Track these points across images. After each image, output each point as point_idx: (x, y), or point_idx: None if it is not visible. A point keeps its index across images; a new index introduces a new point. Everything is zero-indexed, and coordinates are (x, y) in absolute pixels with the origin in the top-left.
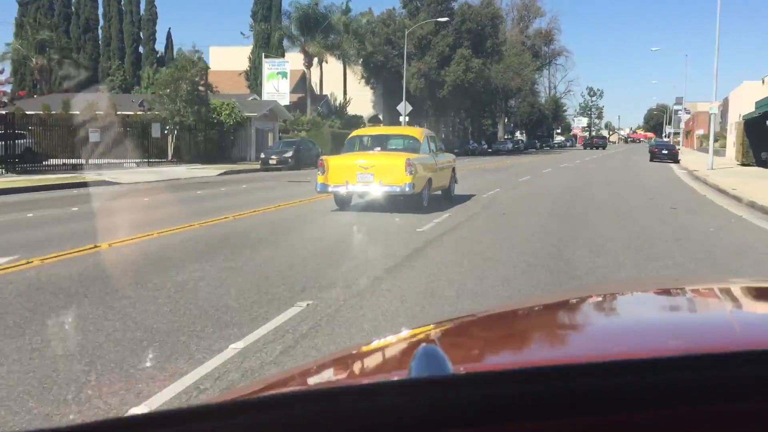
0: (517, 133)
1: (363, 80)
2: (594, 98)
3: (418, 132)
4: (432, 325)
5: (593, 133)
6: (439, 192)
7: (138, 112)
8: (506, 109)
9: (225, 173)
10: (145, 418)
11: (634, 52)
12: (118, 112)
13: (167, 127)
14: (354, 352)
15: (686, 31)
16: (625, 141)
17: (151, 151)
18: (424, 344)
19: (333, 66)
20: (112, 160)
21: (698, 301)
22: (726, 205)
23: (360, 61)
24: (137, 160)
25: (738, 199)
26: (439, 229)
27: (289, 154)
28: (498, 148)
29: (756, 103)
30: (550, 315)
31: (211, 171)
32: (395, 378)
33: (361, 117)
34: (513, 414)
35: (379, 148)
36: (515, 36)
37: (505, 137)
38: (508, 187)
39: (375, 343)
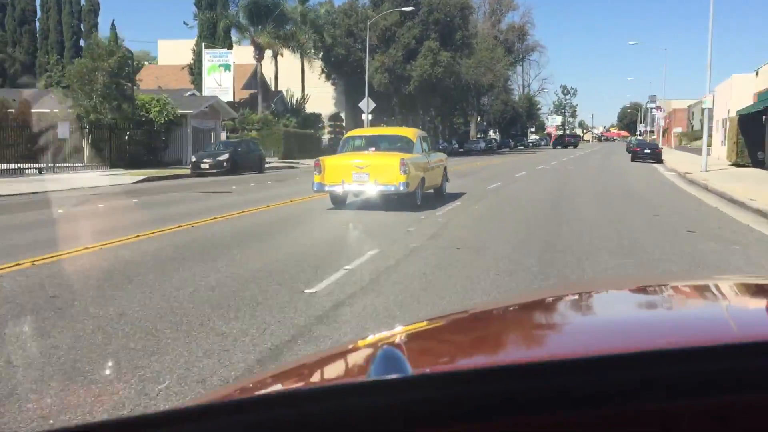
0: (491, 132)
1: (323, 75)
2: (568, 96)
3: (411, 132)
4: (400, 328)
5: (566, 132)
6: (431, 191)
7: (55, 110)
8: (479, 107)
9: (143, 180)
10: (136, 420)
11: (609, 50)
12: (36, 110)
13: (79, 127)
14: (321, 357)
15: (662, 27)
16: (599, 139)
17: (59, 155)
18: (385, 347)
19: (290, 60)
20: (11, 166)
21: (676, 298)
22: (754, 224)
23: (320, 55)
24: (40, 166)
25: (765, 215)
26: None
27: (225, 157)
28: (470, 148)
29: (758, 95)
30: (526, 315)
31: (127, 178)
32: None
33: (319, 115)
34: (467, 414)
35: (373, 149)
36: (487, 30)
37: (478, 136)
38: (472, 199)
39: (345, 347)
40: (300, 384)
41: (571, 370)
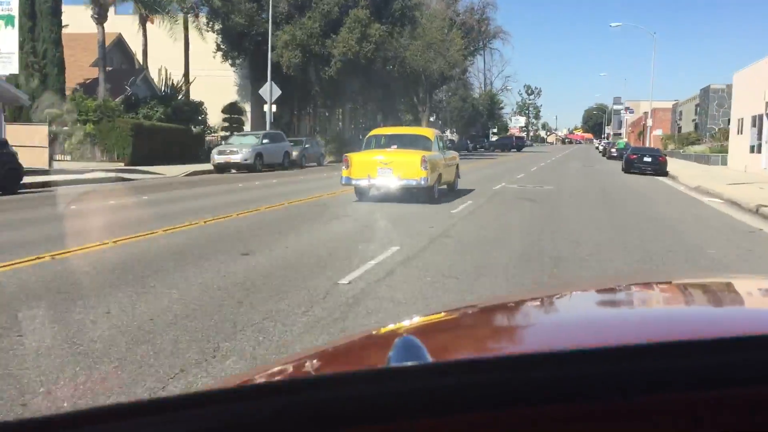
0: (447, 132)
1: (221, 54)
2: (532, 97)
3: (429, 132)
4: (418, 318)
5: (515, 132)
6: (445, 186)
7: None
8: (431, 102)
9: None
10: (142, 406)
11: (575, 48)
12: None
13: None
14: (339, 344)
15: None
16: (563, 142)
17: None
18: (404, 335)
19: (177, 33)
20: None
21: (670, 296)
22: None
23: (216, 27)
24: None
25: None
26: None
27: None
28: None
29: None
30: (541, 309)
31: None
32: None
33: (200, 104)
34: (485, 403)
35: (395, 146)
36: (441, 11)
37: None
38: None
39: (361, 337)
40: (319, 371)
41: (590, 360)
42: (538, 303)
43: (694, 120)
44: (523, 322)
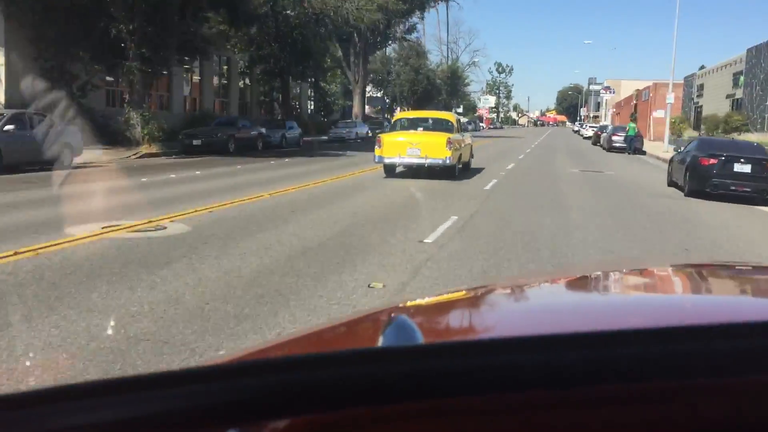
0: (397, 110)
1: None
2: (503, 75)
3: (451, 116)
4: (416, 301)
5: (483, 113)
6: (460, 165)
7: None
8: (365, 69)
9: None
10: (155, 378)
11: (549, 22)
12: None
13: None
14: (334, 324)
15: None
16: (535, 124)
17: None
18: (399, 316)
19: None
20: None
21: (695, 280)
22: None
23: None
24: None
25: None
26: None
27: None
28: (339, 136)
29: None
30: (540, 293)
31: None
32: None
33: None
34: (472, 387)
35: (421, 128)
36: None
37: (373, 115)
38: None
39: (360, 316)
40: (311, 350)
41: (581, 344)
42: (536, 287)
43: (732, 96)
44: (516, 307)
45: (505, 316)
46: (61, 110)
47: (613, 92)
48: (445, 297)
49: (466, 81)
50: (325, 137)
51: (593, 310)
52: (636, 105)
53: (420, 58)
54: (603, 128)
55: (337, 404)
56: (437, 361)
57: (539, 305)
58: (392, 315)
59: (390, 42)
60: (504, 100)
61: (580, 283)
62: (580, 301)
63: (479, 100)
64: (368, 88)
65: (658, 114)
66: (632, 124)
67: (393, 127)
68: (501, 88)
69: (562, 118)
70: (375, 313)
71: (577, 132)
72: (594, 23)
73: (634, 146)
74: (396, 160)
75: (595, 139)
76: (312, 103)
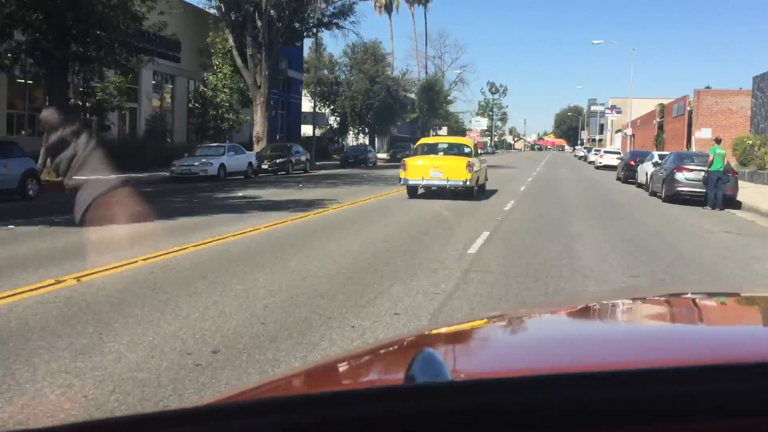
0: (357, 137)
1: None
2: (497, 96)
3: (468, 141)
4: (437, 330)
5: (475, 136)
6: (477, 187)
7: None
8: (269, 68)
9: None
10: (155, 417)
11: (545, 42)
12: None
13: None
14: (355, 354)
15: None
16: (532, 148)
17: None
18: (423, 348)
19: None
20: None
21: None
22: None
23: None
24: None
25: None
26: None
27: None
28: (187, 172)
29: None
30: (563, 323)
31: None
32: (391, 383)
33: None
34: (507, 425)
35: (441, 153)
36: None
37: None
38: None
39: (381, 345)
40: (337, 382)
41: (610, 382)
42: (555, 316)
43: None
44: (537, 337)
45: (532, 348)
46: None
47: (620, 112)
48: (467, 325)
49: (448, 97)
50: (168, 172)
51: (626, 339)
52: (662, 123)
53: (378, 63)
54: (639, 156)
55: None
56: (464, 399)
57: (562, 335)
58: (418, 346)
59: (314, 30)
60: (498, 123)
61: (599, 311)
62: (615, 330)
63: (470, 122)
64: (311, 104)
65: (702, 134)
66: (719, 149)
67: (414, 152)
68: (495, 109)
69: (561, 141)
70: (399, 340)
71: (583, 158)
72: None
73: (723, 192)
74: (419, 182)
75: (626, 174)
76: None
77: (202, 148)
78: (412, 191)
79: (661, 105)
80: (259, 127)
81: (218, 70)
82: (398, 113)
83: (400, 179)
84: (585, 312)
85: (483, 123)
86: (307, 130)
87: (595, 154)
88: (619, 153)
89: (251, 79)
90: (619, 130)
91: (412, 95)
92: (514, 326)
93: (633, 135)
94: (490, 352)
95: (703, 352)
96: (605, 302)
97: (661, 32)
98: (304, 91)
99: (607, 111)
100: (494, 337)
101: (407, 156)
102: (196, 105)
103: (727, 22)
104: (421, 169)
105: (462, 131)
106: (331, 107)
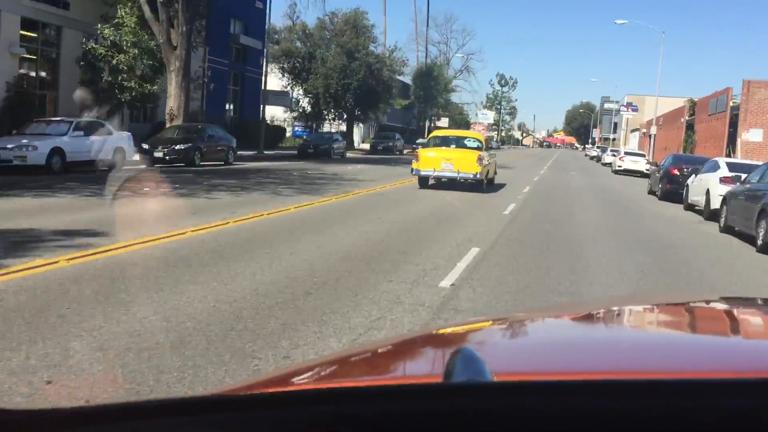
0: (332, 124)
1: None
2: (506, 89)
3: (479, 135)
4: (460, 326)
5: (481, 130)
6: (486, 180)
7: None
8: (187, 24)
9: None
10: (159, 404)
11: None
12: None
13: None
14: (389, 345)
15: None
16: (541, 145)
17: None
18: (461, 345)
19: None
20: None
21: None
22: None
23: None
24: None
25: None
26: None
27: None
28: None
29: None
30: (589, 325)
31: None
32: (430, 378)
33: None
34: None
35: (454, 146)
36: None
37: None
38: None
39: (405, 338)
40: (374, 374)
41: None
42: (575, 320)
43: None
44: (570, 337)
45: (569, 347)
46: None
47: (636, 110)
48: (477, 325)
49: (449, 85)
50: None
51: (643, 344)
52: (692, 122)
53: (360, 36)
54: (689, 163)
55: None
56: (510, 400)
57: (566, 338)
58: (456, 342)
59: None
60: (507, 117)
61: (618, 317)
62: (648, 333)
63: (476, 114)
64: (283, 82)
65: (752, 135)
66: None
67: (427, 144)
68: (503, 102)
69: (571, 139)
70: (421, 336)
71: (597, 159)
72: (616, 41)
73: None
74: (431, 173)
75: (667, 189)
76: None
77: (38, 124)
78: (423, 182)
79: (692, 101)
80: (173, 101)
81: (119, 22)
82: (382, 97)
83: (411, 170)
84: (609, 316)
85: (490, 116)
86: (276, 112)
87: (613, 155)
88: (643, 156)
89: (164, 36)
90: (636, 129)
91: (402, 78)
92: (536, 325)
93: (648, 134)
94: (523, 352)
95: (714, 362)
96: (623, 307)
97: (692, 23)
98: (271, 67)
99: (622, 108)
100: (523, 336)
101: (390, 148)
102: (81, 65)
103: (756, 20)
104: (433, 161)
105: (466, 124)
106: (304, 87)
